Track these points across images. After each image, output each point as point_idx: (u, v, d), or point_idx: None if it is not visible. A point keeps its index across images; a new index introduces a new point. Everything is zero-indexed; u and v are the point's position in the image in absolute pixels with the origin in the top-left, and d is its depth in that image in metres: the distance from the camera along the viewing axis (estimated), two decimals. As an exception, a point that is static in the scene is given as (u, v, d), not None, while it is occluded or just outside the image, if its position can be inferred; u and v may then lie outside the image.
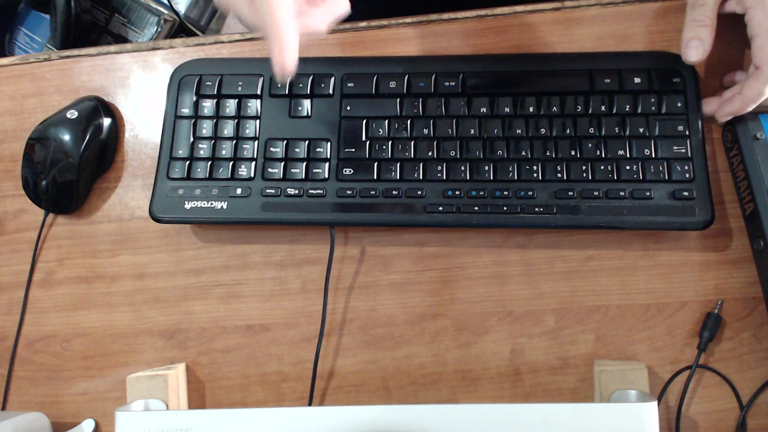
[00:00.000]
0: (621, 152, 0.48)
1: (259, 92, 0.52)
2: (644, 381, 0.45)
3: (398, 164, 0.49)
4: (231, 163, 0.51)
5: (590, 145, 0.48)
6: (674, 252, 0.49)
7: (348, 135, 0.50)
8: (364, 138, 0.50)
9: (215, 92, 0.52)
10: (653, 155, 0.48)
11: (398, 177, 0.49)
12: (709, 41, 0.46)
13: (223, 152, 0.51)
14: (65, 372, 0.52)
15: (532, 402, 0.46)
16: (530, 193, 0.48)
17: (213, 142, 0.51)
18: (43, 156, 0.53)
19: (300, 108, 0.51)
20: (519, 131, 0.49)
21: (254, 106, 0.52)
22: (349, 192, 0.49)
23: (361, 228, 0.51)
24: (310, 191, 0.49)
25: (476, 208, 0.48)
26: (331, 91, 0.51)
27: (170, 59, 0.56)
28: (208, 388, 0.51)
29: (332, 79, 0.52)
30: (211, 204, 0.50)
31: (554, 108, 0.49)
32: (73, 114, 0.53)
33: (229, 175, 0.50)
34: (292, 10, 0.37)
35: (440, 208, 0.48)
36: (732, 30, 0.49)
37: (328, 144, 0.50)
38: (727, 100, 0.47)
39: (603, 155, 0.48)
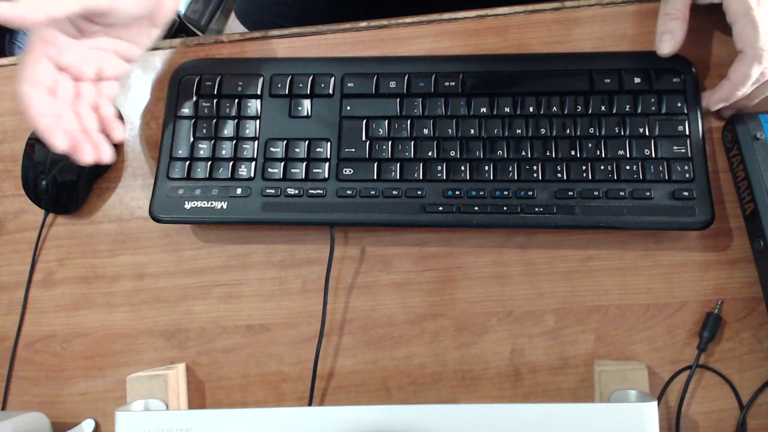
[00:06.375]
0: (621, 152, 0.48)
1: (259, 92, 0.52)
2: (644, 381, 0.45)
3: (398, 164, 0.49)
4: (231, 163, 0.51)
5: (590, 145, 0.48)
6: (674, 252, 0.49)
7: (348, 135, 0.50)
8: (364, 138, 0.50)
9: (215, 92, 0.52)
10: (653, 155, 0.48)
11: (398, 177, 0.49)
12: (681, 33, 0.47)
13: (223, 152, 0.51)
14: (65, 372, 0.52)
15: (532, 402, 0.46)
16: (530, 193, 0.48)
17: (213, 142, 0.51)
18: (43, 156, 0.53)
19: (300, 108, 0.51)
20: (519, 131, 0.49)
21: (254, 106, 0.52)
22: (349, 192, 0.49)
23: (361, 228, 0.51)
24: (310, 191, 0.49)
25: (476, 208, 0.48)
26: (331, 91, 0.51)
27: (170, 59, 0.56)
28: (208, 388, 0.51)
29: (332, 79, 0.51)
30: (211, 204, 0.50)
31: (554, 108, 0.49)
32: (73, 114, 0.53)
33: (229, 175, 0.50)
34: None
35: (440, 208, 0.48)
36: (731, 30, 0.49)
37: (328, 144, 0.50)
38: (716, 87, 0.47)
39: (603, 155, 0.48)
